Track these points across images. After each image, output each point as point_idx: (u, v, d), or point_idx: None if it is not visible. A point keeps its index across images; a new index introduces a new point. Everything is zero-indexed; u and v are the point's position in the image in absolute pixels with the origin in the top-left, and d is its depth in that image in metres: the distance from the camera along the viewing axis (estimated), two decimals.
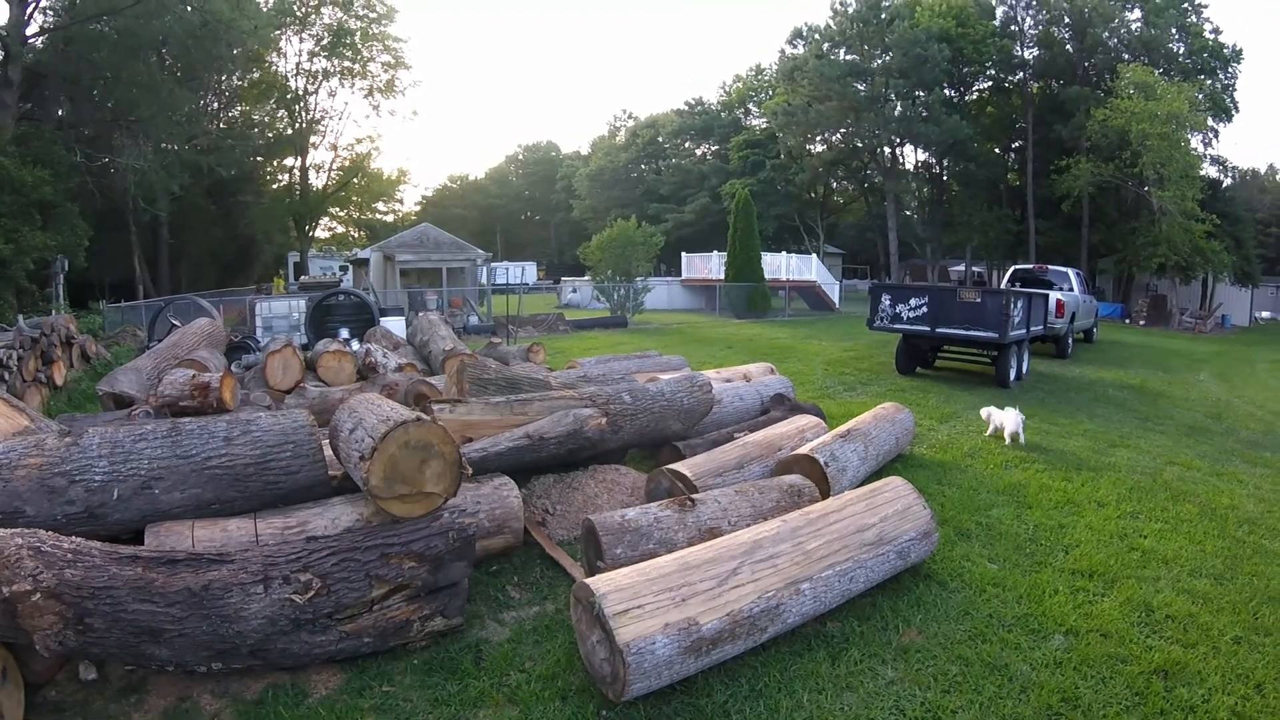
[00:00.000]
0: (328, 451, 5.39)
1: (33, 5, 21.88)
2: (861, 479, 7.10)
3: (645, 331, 24.73)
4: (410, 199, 66.45)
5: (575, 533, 6.06)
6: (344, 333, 14.07)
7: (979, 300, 13.77)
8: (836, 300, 37.31)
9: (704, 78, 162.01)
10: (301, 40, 42.49)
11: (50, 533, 4.12)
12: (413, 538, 4.50)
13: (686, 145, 70.76)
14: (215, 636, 4.02)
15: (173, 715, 4.09)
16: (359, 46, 43.12)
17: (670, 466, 6.50)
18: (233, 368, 10.56)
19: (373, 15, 43.10)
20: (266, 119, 44.23)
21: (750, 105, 66.86)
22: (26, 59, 21.53)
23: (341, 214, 49.86)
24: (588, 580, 4.18)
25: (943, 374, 15.45)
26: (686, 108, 71.61)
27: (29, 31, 21.86)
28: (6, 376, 9.75)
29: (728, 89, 71.25)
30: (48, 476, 4.67)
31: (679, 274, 40.23)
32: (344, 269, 40.60)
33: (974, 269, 52.72)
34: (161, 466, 4.78)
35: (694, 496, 5.58)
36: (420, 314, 15.37)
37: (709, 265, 37.70)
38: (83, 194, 23.98)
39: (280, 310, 17.92)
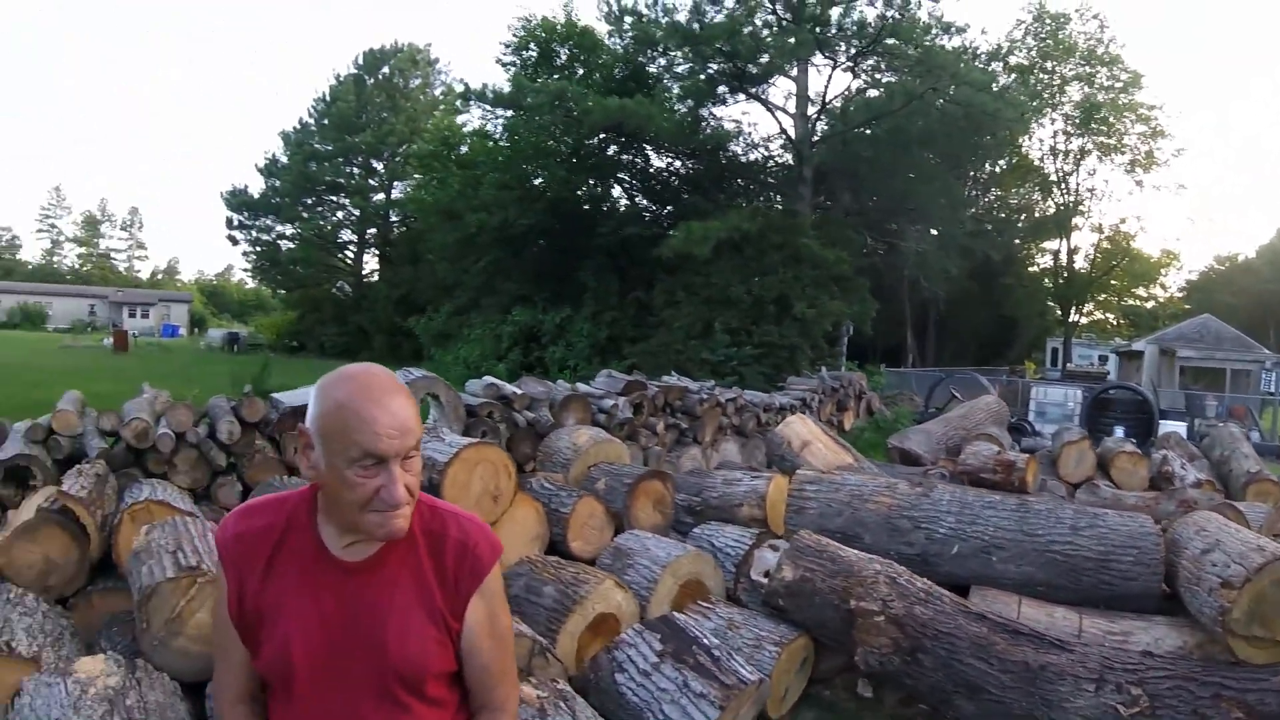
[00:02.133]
0: None
1: (813, 119, 25.96)
2: None
3: None
4: (1173, 283, 60.53)
5: None
6: (1119, 431, 13.07)
7: None
8: None
9: None
10: (1052, 121, 41.65)
11: (904, 568, 4.53)
12: (1249, 686, 4.00)
13: None
14: (1027, 715, 4.01)
15: None
16: (1110, 119, 40.77)
17: None
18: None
19: (1118, 85, 40.67)
20: (1022, 202, 44.53)
21: None
22: (814, 161, 25.33)
23: (1100, 298, 47.79)
24: None
25: None
26: None
27: (814, 139, 25.83)
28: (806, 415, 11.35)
29: None
30: (895, 516, 5.17)
31: None
32: (1104, 359, 38.63)
33: None
34: (1004, 537, 4.94)
35: None
36: (1221, 424, 13.51)
37: None
38: (871, 271, 27.15)
39: (1055, 397, 17.56)
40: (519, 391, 6.57)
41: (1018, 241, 43.98)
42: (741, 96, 25.51)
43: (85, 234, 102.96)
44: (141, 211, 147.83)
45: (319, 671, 1.59)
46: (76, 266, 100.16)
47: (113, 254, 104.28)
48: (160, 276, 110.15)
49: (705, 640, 3.87)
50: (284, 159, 44.85)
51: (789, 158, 27.08)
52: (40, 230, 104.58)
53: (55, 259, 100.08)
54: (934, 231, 30.31)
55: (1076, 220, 43.43)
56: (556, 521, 5.17)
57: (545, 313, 23.97)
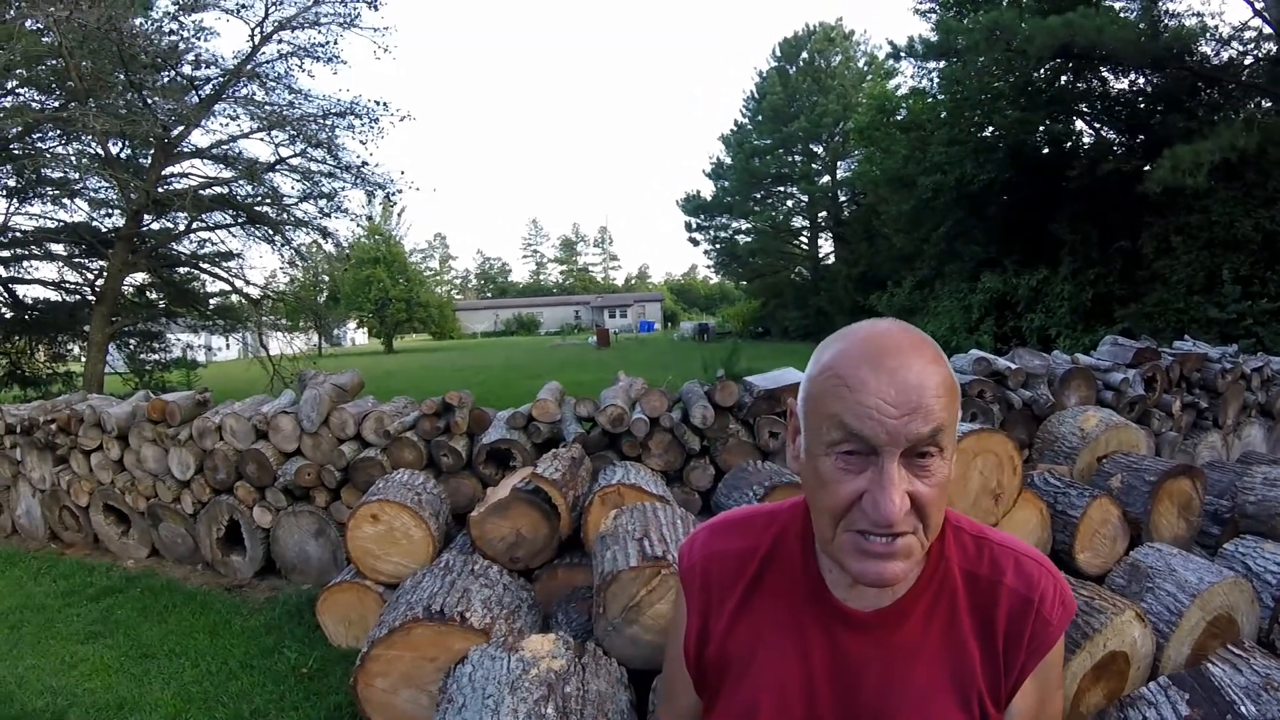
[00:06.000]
0: None
1: None
2: None
3: None
4: None
5: None
6: None
7: None
8: None
9: None
10: None
11: None
12: None
13: None
14: None
15: None
16: None
17: None
18: None
19: None
20: None
21: None
22: None
23: None
24: None
25: None
26: None
27: None
28: None
29: None
30: None
31: None
32: None
33: None
34: None
35: None
36: None
37: None
38: None
39: None
40: (1014, 366, 5.64)
41: None
42: None
43: (563, 254, 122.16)
44: (610, 229, 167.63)
45: None
46: (559, 281, 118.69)
47: (589, 267, 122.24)
48: (634, 281, 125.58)
49: (1242, 709, 2.78)
50: (728, 160, 47.87)
51: (1270, 48, 21.83)
52: (525, 256, 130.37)
53: (540, 277, 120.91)
54: None
55: None
56: (1061, 526, 4.22)
57: (1018, 276, 21.76)
